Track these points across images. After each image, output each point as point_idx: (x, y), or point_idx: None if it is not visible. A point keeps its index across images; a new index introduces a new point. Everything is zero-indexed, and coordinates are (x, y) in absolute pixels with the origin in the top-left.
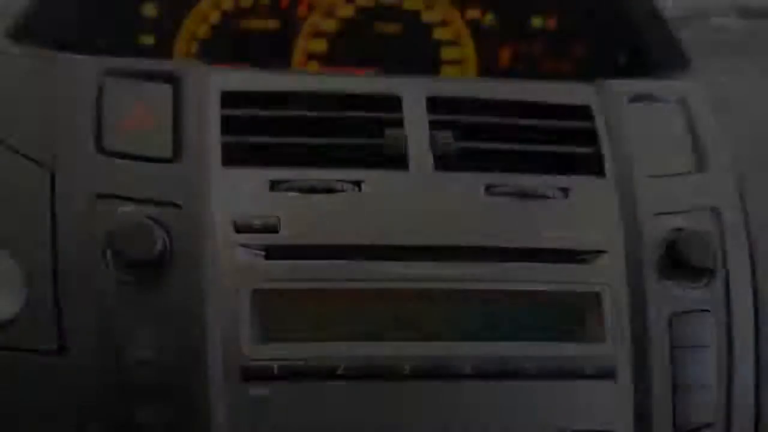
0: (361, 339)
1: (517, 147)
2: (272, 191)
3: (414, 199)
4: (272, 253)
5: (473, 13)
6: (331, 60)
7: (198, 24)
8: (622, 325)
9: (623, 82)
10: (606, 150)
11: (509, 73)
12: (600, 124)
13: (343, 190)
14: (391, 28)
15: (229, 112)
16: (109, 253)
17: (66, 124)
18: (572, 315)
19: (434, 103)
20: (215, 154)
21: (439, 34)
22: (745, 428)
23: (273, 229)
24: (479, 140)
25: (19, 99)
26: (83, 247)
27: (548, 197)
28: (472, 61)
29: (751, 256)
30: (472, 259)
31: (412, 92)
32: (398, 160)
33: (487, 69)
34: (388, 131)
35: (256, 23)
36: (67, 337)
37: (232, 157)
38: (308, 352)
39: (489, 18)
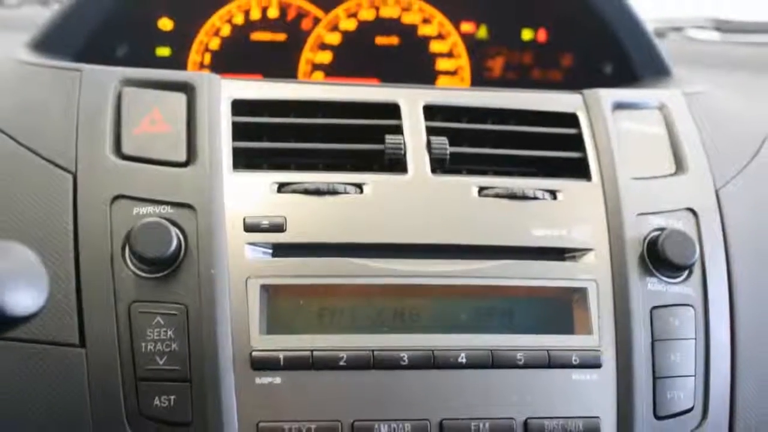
0: (362, 331)
1: (508, 152)
2: (279, 193)
3: (412, 200)
4: (279, 250)
5: (467, 27)
6: (334, 70)
7: (210, 37)
8: (607, 318)
9: (608, 91)
10: (592, 154)
11: (501, 83)
12: (586, 130)
13: (345, 192)
14: (391, 40)
15: (239, 119)
16: (127, 251)
17: (87, 131)
18: (560, 309)
19: (431, 111)
20: (226, 158)
21: (435, 46)
22: (720, 414)
23: (280, 229)
24: (473, 145)
25: (43, 107)
26: (103, 246)
27: (538, 199)
28: (466, 72)
29: (727, 254)
30: (467, 256)
31: (410, 101)
32: (397, 164)
33: (481, 79)
34: (388, 137)
35: (264, 36)
36: (87, 331)
37: (242, 161)
38: (312, 343)
39: (482, 31)
